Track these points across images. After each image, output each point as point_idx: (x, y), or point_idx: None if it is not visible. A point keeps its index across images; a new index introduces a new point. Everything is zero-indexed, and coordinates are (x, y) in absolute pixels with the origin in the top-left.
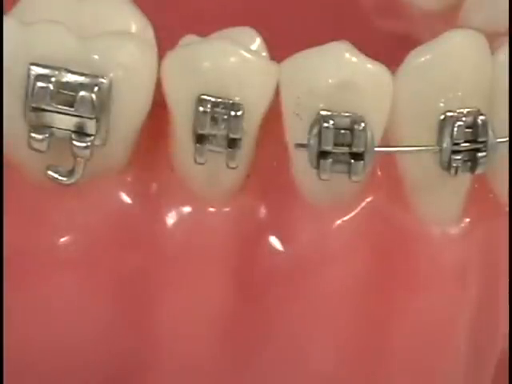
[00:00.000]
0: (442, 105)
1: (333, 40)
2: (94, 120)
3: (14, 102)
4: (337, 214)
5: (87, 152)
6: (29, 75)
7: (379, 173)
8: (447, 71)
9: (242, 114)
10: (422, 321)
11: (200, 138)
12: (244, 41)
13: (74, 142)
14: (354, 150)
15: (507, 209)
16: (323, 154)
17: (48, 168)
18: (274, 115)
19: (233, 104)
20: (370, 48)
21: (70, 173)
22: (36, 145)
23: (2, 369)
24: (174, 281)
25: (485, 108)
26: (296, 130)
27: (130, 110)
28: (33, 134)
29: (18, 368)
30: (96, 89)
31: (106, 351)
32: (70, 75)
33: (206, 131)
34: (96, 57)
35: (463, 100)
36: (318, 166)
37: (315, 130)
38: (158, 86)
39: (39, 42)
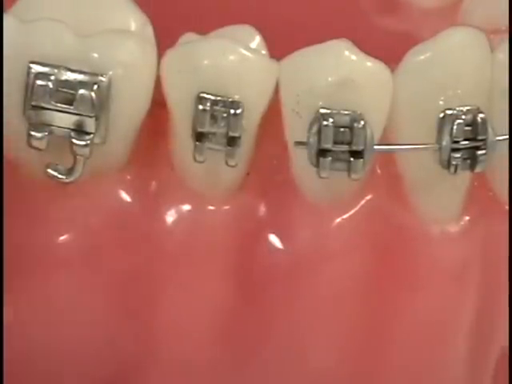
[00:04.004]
0: (441, 103)
1: (332, 38)
2: (94, 118)
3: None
4: (336, 212)
5: (87, 150)
6: (28, 73)
7: (379, 171)
8: (447, 69)
9: (242, 112)
10: (422, 319)
11: (199, 136)
12: (243, 39)
13: (74, 140)
14: (354, 148)
15: (507, 207)
16: (323, 152)
17: (47, 166)
18: (273, 113)
19: (232, 102)
20: (369, 46)
21: (70, 171)
22: (35, 143)
23: (1, 369)
24: (173, 279)
25: (484, 106)
26: (295, 128)
27: (129, 108)
28: (32, 132)
29: (18, 367)
30: (95, 87)
31: (106, 350)
32: (69, 73)
33: (205, 129)
34: (95, 55)
35: (463, 98)
36: (317, 164)
37: (315, 128)
38: (158, 84)
39: (39, 40)
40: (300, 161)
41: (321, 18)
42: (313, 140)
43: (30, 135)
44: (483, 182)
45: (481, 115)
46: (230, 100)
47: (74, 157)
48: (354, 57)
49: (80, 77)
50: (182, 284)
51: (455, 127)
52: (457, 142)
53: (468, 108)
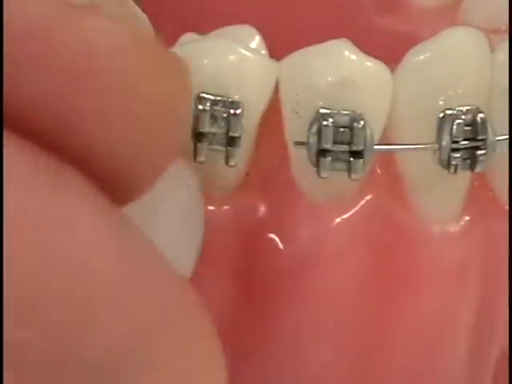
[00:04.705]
0: (441, 103)
1: (332, 38)
2: None
3: None
4: (336, 212)
5: None
6: None
7: (378, 171)
8: (447, 69)
9: (242, 112)
10: (422, 319)
11: (199, 137)
12: (243, 39)
13: None
14: (354, 148)
15: (507, 207)
16: (322, 152)
17: None
18: (273, 113)
19: (232, 102)
20: (369, 46)
21: None
22: None
23: (1, 369)
24: None
25: (484, 106)
26: (295, 128)
27: None
28: None
29: None
30: None
31: None
32: None
33: (205, 129)
34: None
35: (463, 98)
36: (317, 164)
37: (314, 128)
38: None
39: None
40: (300, 161)
41: (320, 18)
42: (313, 140)
43: None
44: (483, 181)
45: (481, 115)
46: (230, 100)
47: None
48: (353, 57)
49: None
50: None
51: (455, 127)
52: (457, 141)
53: (468, 108)
